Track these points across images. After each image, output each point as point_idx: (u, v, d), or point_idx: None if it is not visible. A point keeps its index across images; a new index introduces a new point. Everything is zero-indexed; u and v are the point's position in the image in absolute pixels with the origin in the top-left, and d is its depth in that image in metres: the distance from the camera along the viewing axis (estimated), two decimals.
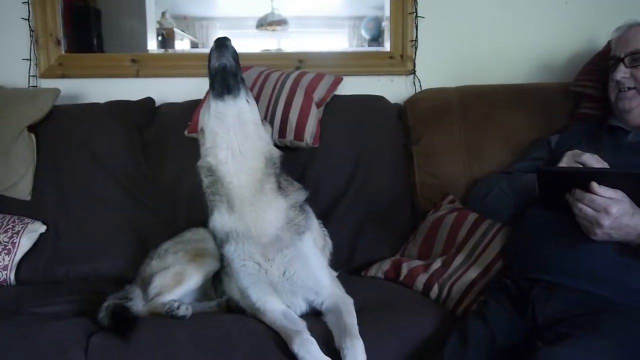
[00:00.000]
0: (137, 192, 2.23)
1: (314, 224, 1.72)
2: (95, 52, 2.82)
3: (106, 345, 1.49)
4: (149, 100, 2.39)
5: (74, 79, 2.54)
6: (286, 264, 1.58)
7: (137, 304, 1.67)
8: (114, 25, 3.11)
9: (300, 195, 1.65)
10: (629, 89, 1.74)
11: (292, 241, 1.58)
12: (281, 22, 3.69)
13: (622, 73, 1.74)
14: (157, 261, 1.78)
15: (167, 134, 2.27)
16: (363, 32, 3.12)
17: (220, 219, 1.60)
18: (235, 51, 1.60)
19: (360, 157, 2.21)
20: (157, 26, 3.59)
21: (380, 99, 2.37)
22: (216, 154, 1.57)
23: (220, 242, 1.64)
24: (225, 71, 1.56)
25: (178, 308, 1.61)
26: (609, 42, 2.17)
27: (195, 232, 1.85)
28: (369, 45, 2.84)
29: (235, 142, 1.56)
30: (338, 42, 3.68)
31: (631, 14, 2.40)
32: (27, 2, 2.48)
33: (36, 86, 2.51)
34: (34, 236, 2.10)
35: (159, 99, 2.44)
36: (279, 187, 1.60)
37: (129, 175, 2.23)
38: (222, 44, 1.58)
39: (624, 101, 1.75)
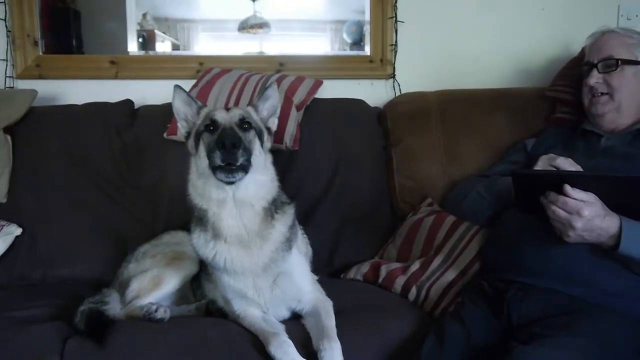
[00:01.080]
0: (116, 194, 2.21)
1: (299, 233, 1.72)
2: (75, 53, 2.80)
3: (82, 349, 1.47)
4: (127, 102, 2.38)
5: (52, 80, 2.51)
6: (273, 283, 1.58)
7: (114, 308, 1.65)
8: (93, 26, 3.08)
9: (292, 209, 1.63)
10: (602, 94, 1.77)
11: (283, 259, 1.57)
12: (263, 25, 3.69)
13: (595, 79, 1.77)
14: (134, 264, 1.77)
15: (147, 136, 2.25)
16: (345, 36, 3.14)
17: (207, 247, 1.55)
18: (240, 137, 1.47)
19: (340, 160, 2.22)
20: (138, 28, 3.57)
21: (359, 103, 2.39)
22: (209, 205, 1.53)
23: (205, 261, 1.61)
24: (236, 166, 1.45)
25: (156, 311, 1.60)
26: (583, 49, 2.21)
27: (174, 235, 1.84)
28: (351, 49, 2.85)
29: (237, 204, 1.52)
30: (320, 45, 3.70)
31: (605, 20, 2.47)
32: (4, 2, 2.45)
33: (13, 87, 2.48)
34: (9, 239, 2.06)
35: (138, 101, 2.42)
36: (276, 212, 1.57)
37: (108, 178, 2.21)
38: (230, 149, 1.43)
39: (597, 106, 1.78)
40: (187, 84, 2.32)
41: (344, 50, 3.12)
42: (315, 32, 3.88)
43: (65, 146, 2.20)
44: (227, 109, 1.59)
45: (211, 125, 1.51)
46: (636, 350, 1.37)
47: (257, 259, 1.53)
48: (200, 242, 1.56)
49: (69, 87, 2.51)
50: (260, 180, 1.54)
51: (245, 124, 1.53)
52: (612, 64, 1.76)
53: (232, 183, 1.47)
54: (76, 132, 2.23)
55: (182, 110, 1.61)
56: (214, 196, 1.51)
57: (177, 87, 1.60)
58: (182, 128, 1.62)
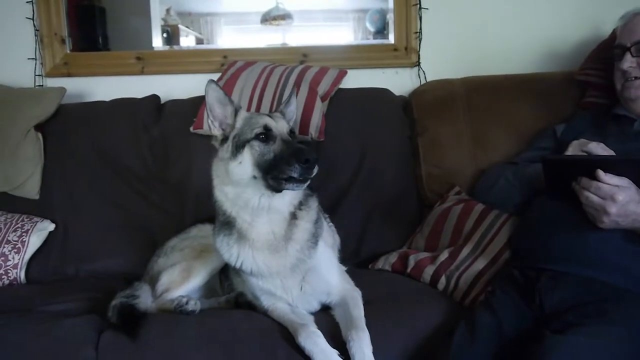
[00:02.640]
0: (145, 189, 2.24)
1: (324, 225, 1.70)
2: (101, 50, 2.83)
3: (116, 341, 1.50)
4: (154, 98, 2.40)
5: (80, 78, 2.55)
6: (302, 281, 1.58)
7: (146, 301, 1.67)
8: (119, 23, 3.12)
9: (315, 202, 1.61)
10: (636, 78, 1.72)
11: (310, 257, 1.56)
12: (285, 16, 3.69)
13: (629, 62, 1.72)
14: (164, 258, 1.79)
15: (173, 131, 2.27)
16: (368, 25, 3.12)
17: (231, 252, 1.55)
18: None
19: (365, 150, 2.21)
20: (162, 23, 3.61)
21: (384, 92, 2.37)
22: (240, 213, 1.51)
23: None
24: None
25: (187, 303, 1.62)
26: (614, 31, 2.15)
27: (201, 228, 1.85)
28: (374, 38, 2.83)
29: (272, 213, 1.51)
30: (343, 35, 3.68)
31: (636, 2, 2.40)
32: (32, 1, 2.49)
33: (42, 85, 2.53)
34: (43, 235, 2.12)
35: (164, 96, 2.44)
36: (300, 209, 1.55)
37: (136, 173, 2.25)
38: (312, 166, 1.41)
39: (630, 90, 1.73)
40: (213, 78, 2.34)
41: (367, 39, 3.10)
42: (338, 22, 3.87)
43: (94, 142, 2.24)
44: (270, 115, 1.56)
45: (263, 134, 1.47)
46: None
47: (284, 260, 1.52)
48: (224, 247, 1.55)
49: (96, 84, 2.55)
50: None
51: (292, 134, 1.53)
52: None
53: (299, 187, 1.45)
54: (104, 129, 2.27)
55: (217, 110, 1.54)
56: (253, 204, 1.48)
57: (211, 82, 1.52)
58: (214, 129, 1.55)
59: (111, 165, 2.23)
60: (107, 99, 2.42)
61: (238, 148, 1.48)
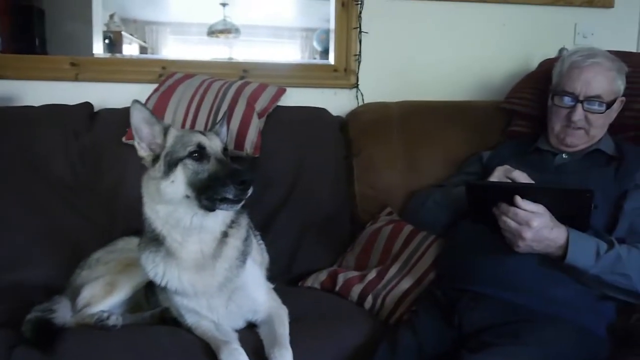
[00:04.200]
0: (73, 198, 2.16)
1: (254, 243, 1.69)
2: (38, 53, 2.74)
3: (29, 357, 1.43)
4: (87, 105, 2.34)
5: (10, 81, 2.44)
6: (228, 300, 1.56)
7: (64, 316, 1.61)
8: (58, 26, 3.04)
9: (245, 219, 1.60)
10: (579, 128, 1.75)
11: (237, 276, 1.54)
12: (232, 30, 3.68)
13: (579, 115, 1.73)
14: (87, 271, 1.73)
15: (106, 140, 2.21)
16: (315, 44, 3.16)
17: (157, 270, 1.51)
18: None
19: (301, 168, 2.23)
20: (105, 29, 3.52)
21: (322, 111, 2.40)
22: (171, 232, 1.48)
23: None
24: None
25: (108, 318, 1.57)
26: (541, 63, 2.29)
27: (128, 241, 1.80)
28: (321, 58, 2.88)
29: (203, 233, 1.49)
30: (291, 52, 3.71)
31: (562, 38, 2.57)
32: None
33: None
34: None
35: (98, 105, 2.38)
36: (230, 227, 1.53)
37: (65, 182, 2.17)
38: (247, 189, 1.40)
39: (572, 138, 1.77)
40: (150, 88, 2.31)
41: (315, 58, 3.14)
42: (286, 39, 3.90)
43: (20, 148, 2.15)
44: (203, 133, 1.53)
45: (197, 152, 1.44)
46: (581, 358, 1.40)
47: (212, 279, 1.50)
48: (150, 264, 1.52)
49: (28, 88, 2.44)
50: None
51: (225, 152, 1.52)
52: (599, 107, 1.72)
53: (232, 208, 1.45)
54: (32, 134, 2.18)
55: (145, 130, 1.49)
56: (185, 224, 1.45)
57: (135, 102, 1.47)
58: (141, 150, 1.50)
59: (38, 173, 2.14)
60: (38, 104, 2.33)
61: (170, 167, 1.45)
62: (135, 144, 1.51)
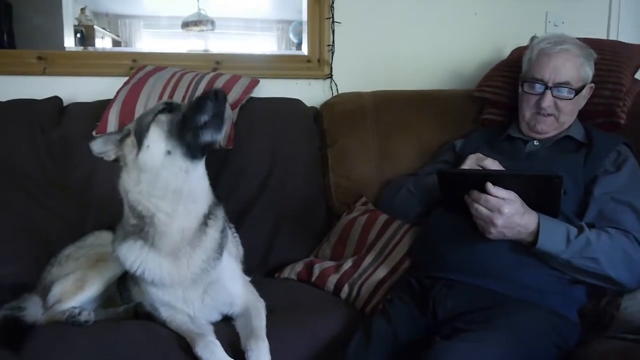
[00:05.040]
0: (42, 195, 2.12)
1: (229, 235, 1.68)
2: (5, 48, 2.68)
3: None
4: (55, 99, 2.29)
5: None
6: (204, 293, 1.54)
7: (34, 313, 1.58)
8: (27, 20, 2.97)
9: (221, 211, 1.58)
10: (549, 115, 1.77)
11: (214, 268, 1.52)
12: (207, 22, 3.64)
13: (548, 102, 1.74)
14: (57, 268, 1.70)
15: (75, 135, 2.17)
16: (291, 36, 3.14)
17: (134, 258, 1.48)
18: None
19: (275, 159, 2.22)
20: (76, 23, 3.45)
21: (296, 102, 2.39)
22: (159, 205, 1.44)
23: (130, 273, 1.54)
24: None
25: (79, 314, 1.54)
26: (513, 51, 2.30)
27: (98, 235, 1.78)
28: (297, 49, 2.86)
29: (191, 198, 1.46)
30: (267, 45, 3.69)
31: (534, 26, 2.59)
32: None
33: None
34: None
35: (67, 99, 2.34)
36: (209, 217, 1.51)
37: (33, 177, 2.12)
38: (223, 100, 1.41)
39: (542, 125, 1.78)
40: (120, 81, 2.28)
41: (291, 49, 3.12)
42: (262, 32, 3.88)
43: None
44: None
45: (165, 107, 1.44)
46: (552, 342, 1.43)
47: (187, 270, 1.48)
48: (125, 252, 1.49)
49: None
50: (206, 176, 1.52)
51: None
52: (568, 93, 1.73)
53: (215, 142, 1.42)
54: None
55: (106, 149, 1.51)
56: (172, 187, 1.42)
57: (90, 142, 1.51)
58: (108, 158, 1.52)
59: (5, 170, 2.09)
60: (5, 99, 2.27)
61: (141, 136, 1.43)
62: (104, 157, 1.52)
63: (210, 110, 1.39)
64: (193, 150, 1.41)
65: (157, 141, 1.42)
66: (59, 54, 2.60)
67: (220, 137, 1.45)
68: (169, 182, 1.43)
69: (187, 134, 1.40)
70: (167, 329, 1.52)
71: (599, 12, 2.72)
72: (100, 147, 1.51)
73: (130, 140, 1.47)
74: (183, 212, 1.46)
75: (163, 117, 1.43)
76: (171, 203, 1.44)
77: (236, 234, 1.86)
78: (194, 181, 1.46)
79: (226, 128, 1.44)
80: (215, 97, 1.39)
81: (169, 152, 1.42)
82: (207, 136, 1.40)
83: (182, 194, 1.44)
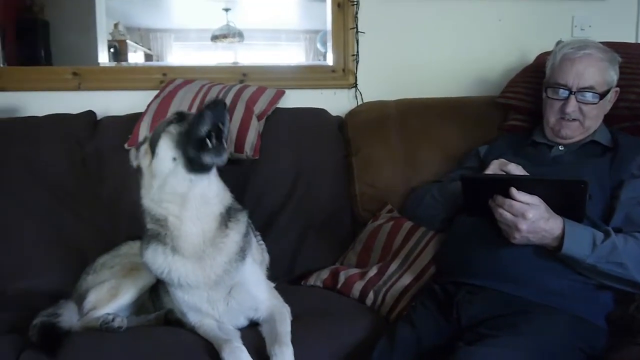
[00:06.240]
0: (77, 206, 2.20)
1: (253, 241, 1.72)
2: (43, 65, 2.79)
3: None
4: (89, 113, 2.37)
5: (14, 92, 2.49)
6: (228, 295, 1.59)
7: (70, 320, 1.64)
8: (63, 37, 3.08)
9: (245, 216, 1.63)
10: (574, 120, 1.75)
11: (237, 271, 1.57)
12: (236, 34, 3.72)
13: (572, 107, 1.73)
14: (93, 276, 1.77)
15: (108, 147, 2.25)
16: (319, 46, 3.18)
17: (160, 261, 1.55)
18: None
19: (301, 168, 2.25)
20: (109, 38, 3.56)
21: (321, 112, 2.42)
22: (169, 209, 1.51)
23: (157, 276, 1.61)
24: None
25: (113, 320, 1.59)
26: (538, 57, 2.29)
27: (132, 245, 1.83)
28: (324, 59, 2.91)
29: (199, 203, 1.52)
30: (295, 55, 3.73)
31: (560, 31, 2.56)
32: None
33: None
34: None
35: (101, 113, 2.42)
36: (230, 220, 1.57)
37: (69, 189, 2.20)
38: (222, 108, 1.50)
39: (566, 130, 1.77)
40: (151, 95, 2.35)
41: (319, 59, 3.16)
42: (290, 42, 3.93)
43: (24, 157, 2.19)
44: None
45: (176, 117, 1.53)
46: (578, 347, 1.41)
47: (210, 270, 1.53)
48: (151, 257, 1.55)
49: (31, 100, 2.49)
50: (218, 181, 1.59)
51: None
52: (593, 97, 1.72)
53: (216, 164, 1.50)
54: (36, 143, 2.22)
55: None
56: (179, 191, 1.49)
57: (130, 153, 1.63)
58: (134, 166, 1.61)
59: (42, 182, 2.18)
60: (42, 114, 2.37)
61: (155, 145, 1.52)
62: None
63: (209, 119, 1.46)
64: (194, 165, 1.49)
65: (165, 150, 1.51)
66: (93, 69, 2.70)
67: (221, 160, 1.51)
68: (175, 188, 1.50)
69: (189, 146, 1.47)
70: (195, 335, 1.57)
71: (626, 15, 2.68)
72: (133, 157, 1.62)
73: (145, 149, 1.57)
74: (194, 214, 1.52)
75: (172, 128, 1.52)
76: (180, 207, 1.51)
77: (262, 242, 1.89)
78: (201, 186, 1.52)
79: (225, 135, 1.50)
80: (214, 106, 1.47)
81: (174, 159, 1.50)
82: (207, 158, 1.48)
83: (189, 198, 1.51)
